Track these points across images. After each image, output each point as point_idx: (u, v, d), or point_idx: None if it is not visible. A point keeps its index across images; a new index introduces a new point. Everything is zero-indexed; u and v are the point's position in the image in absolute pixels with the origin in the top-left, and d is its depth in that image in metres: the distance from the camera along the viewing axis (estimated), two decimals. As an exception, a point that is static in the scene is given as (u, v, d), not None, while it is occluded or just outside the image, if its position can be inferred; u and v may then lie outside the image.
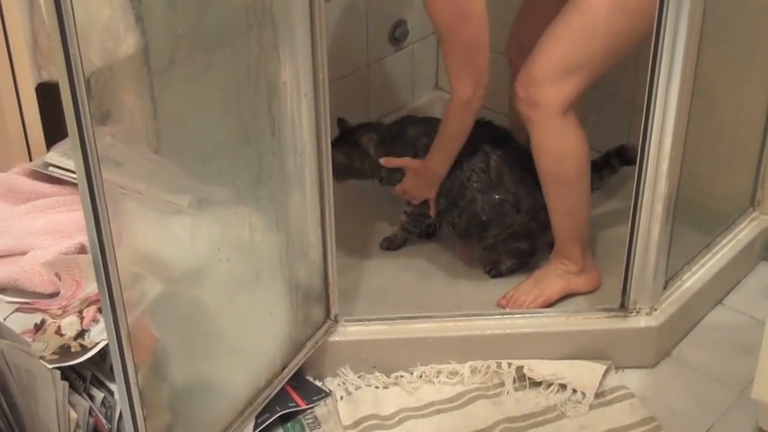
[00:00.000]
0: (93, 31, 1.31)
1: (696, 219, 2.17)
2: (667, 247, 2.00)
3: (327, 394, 2.02)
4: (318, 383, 2.04)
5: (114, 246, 1.38)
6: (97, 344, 1.63)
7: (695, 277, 2.16)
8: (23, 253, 1.79)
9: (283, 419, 1.95)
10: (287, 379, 1.94)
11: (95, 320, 1.65)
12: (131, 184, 1.46)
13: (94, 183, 1.32)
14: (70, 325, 1.66)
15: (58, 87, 1.26)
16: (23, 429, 1.71)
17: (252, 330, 1.84)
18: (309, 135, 1.82)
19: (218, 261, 1.69)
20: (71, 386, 1.62)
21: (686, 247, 2.14)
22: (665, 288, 2.09)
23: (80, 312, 1.67)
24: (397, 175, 2.28)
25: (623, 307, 2.06)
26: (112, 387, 1.65)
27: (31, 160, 2.02)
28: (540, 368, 2.03)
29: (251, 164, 1.70)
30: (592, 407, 1.99)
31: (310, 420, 1.97)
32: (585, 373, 2.03)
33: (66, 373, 1.61)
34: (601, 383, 2.02)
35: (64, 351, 1.62)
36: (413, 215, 2.34)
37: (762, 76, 2.21)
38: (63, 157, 1.93)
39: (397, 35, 2.78)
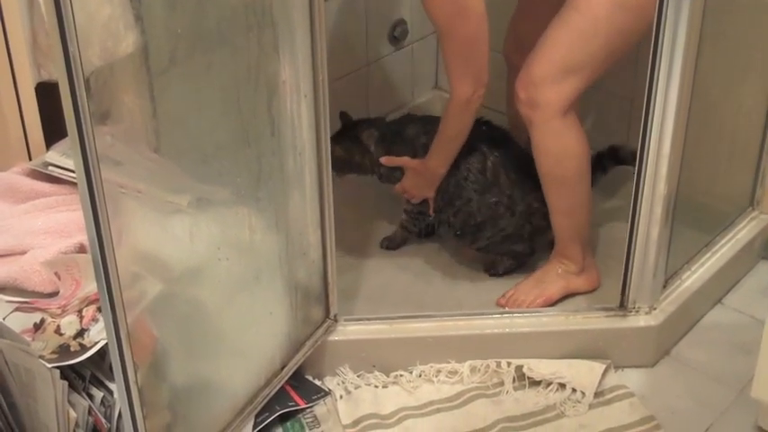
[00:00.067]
0: (92, 31, 1.31)
1: (695, 218, 2.17)
2: (667, 247, 2.00)
3: (327, 393, 2.02)
4: (318, 383, 2.04)
5: (114, 245, 1.38)
6: (96, 343, 1.62)
7: (695, 276, 2.16)
8: (23, 252, 1.79)
9: (283, 419, 1.95)
10: (286, 378, 1.94)
11: (95, 320, 1.65)
12: (131, 183, 1.46)
13: (94, 182, 1.32)
14: (69, 324, 1.66)
15: (58, 86, 1.26)
16: (23, 428, 1.71)
17: (251, 330, 1.84)
18: (309, 135, 1.82)
19: (218, 261, 1.69)
20: (70, 385, 1.62)
21: (686, 246, 2.14)
22: (664, 287, 2.09)
23: (79, 312, 1.67)
24: (396, 173, 2.28)
25: (623, 306, 2.06)
26: (112, 386, 1.65)
27: (30, 159, 2.02)
28: (539, 367, 2.03)
29: (250, 164, 1.70)
30: (591, 406, 1.99)
31: (310, 419, 1.97)
32: (585, 373, 2.03)
33: (66, 373, 1.61)
34: (600, 383, 2.02)
35: (63, 350, 1.62)
36: (412, 214, 2.34)
37: (761, 76, 2.21)
38: (62, 157, 1.93)
39: (397, 35, 2.78)
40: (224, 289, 1.74)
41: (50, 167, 1.94)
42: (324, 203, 1.90)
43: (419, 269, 2.34)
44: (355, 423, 1.96)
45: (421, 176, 2.22)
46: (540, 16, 2.04)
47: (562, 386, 2.02)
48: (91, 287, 1.67)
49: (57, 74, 1.25)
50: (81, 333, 1.64)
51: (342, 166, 2.26)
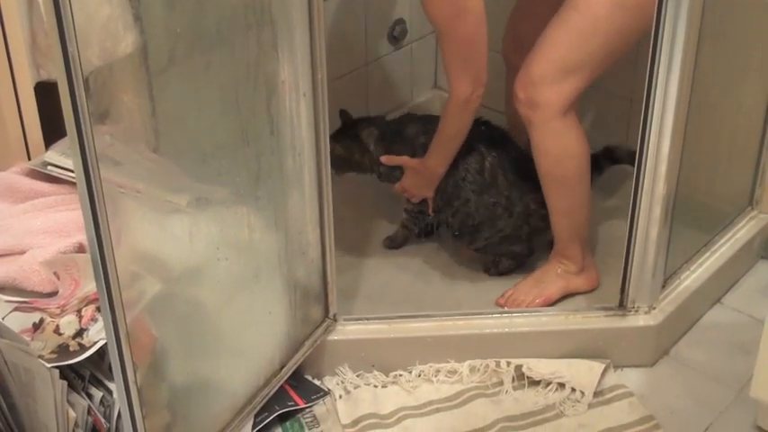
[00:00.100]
0: (91, 30, 1.31)
1: (695, 217, 2.17)
2: (666, 246, 2.00)
3: (326, 393, 2.02)
4: (317, 382, 2.04)
5: (113, 245, 1.38)
6: (96, 343, 1.62)
7: (694, 276, 2.16)
8: (22, 252, 1.79)
9: (282, 418, 1.95)
10: (286, 378, 1.94)
11: (94, 319, 1.65)
12: (130, 183, 1.46)
13: (93, 182, 1.32)
14: (69, 324, 1.65)
15: (57, 86, 1.26)
16: (22, 428, 1.71)
17: (251, 329, 1.84)
18: (308, 134, 1.82)
19: (217, 260, 1.69)
20: (70, 385, 1.62)
21: (685, 245, 2.14)
22: (663, 287, 2.09)
23: (79, 311, 1.67)
24: (396, 172, 2.28)
25: (622, 306, 2.06)
26: (111, 386, 1.65)
27: (29, 159, 2.02)
28: (538, 367, 2.03)
29: (250, 163, 1.70)
30: (590, 406, 1.99)
31: (309, 419, 1.97)
32: (584, 372, 2.03)
33: (65, 372, 1.61)
34: (599, 382, 2.02)
35: (62, 350, 1.62)
36: (412, 213, 2.34)
37: (760, 75, 2.21)
38: (62, 156, 1.93)
39: (396, 34, 2.78)
40: (223, 288, 1.74)
41: (49, 167, 1.94)
42: (323, 202, 1.90)
43: (418, 269, 2.34)
44: (354, 423, 1.96)
45: (420, 176, 2.22)
46: (539, 16, 2.04)
47: (561, 386, 2.02)
48: (90, 287, 1.67)
49: (56, 74, 1.25)
50: (80, 333, 1.64)
51: (341, 164, 2.26)
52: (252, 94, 1.66)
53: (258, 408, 1.88)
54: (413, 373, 2.06)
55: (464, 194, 2.20)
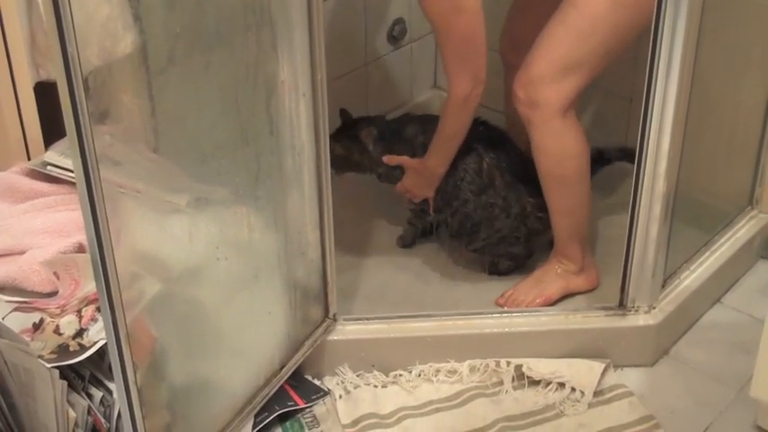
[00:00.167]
0: (91, 30, 1.31)
1: (695, 217, 2.17)
2: (666, 246, 2.00)
3: (326, 393, 2.02)
4: (317, 382, 2.04)
5: (113, 245, 1.38)
6: (96, 343, 1.62)
7: (694, 276, 2.16)
8: (22, 252, 1.79)
9: (282, 418, 1.95)
10: (286, 378, 1.94)
11: (94, 319, 1.65)
12: (130, 183, 1.46)
13: (93, 182, 1.32)
14: (69, 324, 1.65)
15: (57, 86, 1.26)
16: (22, 428, 1.71)
17: (250, 329, 1.84)
18: (308, 134, 1.82)
19: (217, 260, 1.69)
20: (70, 385, 1.62)
21: (685, 245, 2.14)
22: (663, 286, 2.09)
23: (78, 311, 1.67)
24: (396, 172, 2.28)
25: (622, 305, 2.06)
26: (111, 386, 1.65)
27: (29, 159, 2.02)
28: (538, 367, 2.03)
29: (249, 163, 1.70)
30: (590, 405, 1.99)
31: (309, 419, 1.97)
32: (584, 372, 2.03)
33: (65, 372, 1.61)
34: (599, 382, 2.02)
35: (62, 350, 1.62)
36: (415, 211, 2.34)
37: (760, 73, 2.21)
38: (61, 156, 1.93)
39: (396, 34, 2.78)
40: (223, 288, 1.74)
41: (49, 167, 1.94)
42: (323, 202, 1.90)
43: (418, 269, 2.34)
44: (354, 423, 1.96)
45: (420, 176, 2.22)
46: (537, 15, 2.03)
47: (561, 385, 2.02)
48: (90, 287, 1.67)
49: (55, 74, 1.25)
50: (80, 333, 1.64)
51: (340, 164, 2.26)
52: (251, 94, 1.66)
53: (258, 408, 1.88)
54: (413, 373, 2.06)
55: (463, 195, 2.20)
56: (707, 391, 2.02)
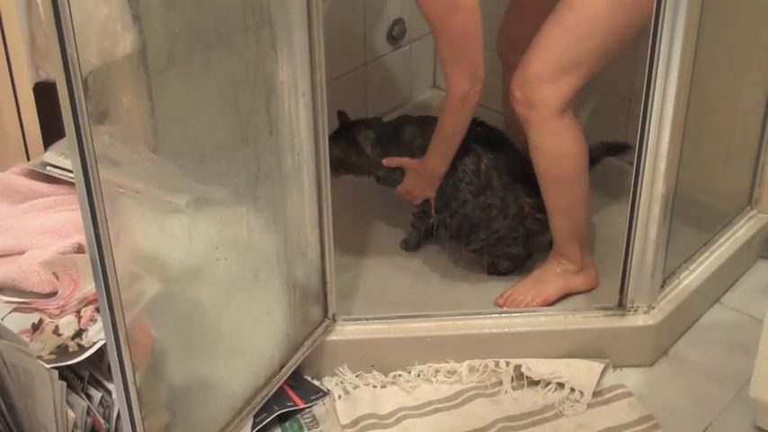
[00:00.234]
0: (90, 31, 1.31)
1: (694, 217, 2.17)
2: (665, 246, 2.00)
3: (325, 393, 2.02)
4: (316, 383, 2.04)
5: (112, 245, 1.38)
6: (95, 343, 1.62)
7: (693, 276, 2.16)
8: (21, 252, 1.79)
9: (281, 419, 1.95)
10: (285, 378, 1.94)
11: (93, 320, 1.65)
12: (129, 183, 1.46)
13: (92, 182, 1.32)
14: (68, 324, 1.65)
15: (56, 87, 1.26)
16: (21, 429, 1.71)
17: (250, 329, 1.84)
18: (307, 134, 1.82)
19: (216, 260, 1.69)
20: (69, 386, 1.62)
21: (684, 245, 2.14)
22: (662, 286, 2.09)
23: (78, 312, 1.67)
24: (394, 174, 2.27)
25: (621, 305, 2.06)
26: (110, 387, 1.65)
27: (28, 160, 2.02)
28: (537, 367, 2.03)
29: (249, 163, 1.70)
30: (590, 406, 1.99)
31: (308, 419, 1.97)
32: (583, 372, 2.03)
33: (64, 373, 1.61)
34: (599, 382, 2.02)
35: (62, 351, 1.62)
36: (417, 214, 2.34)
37: (759, 74, 2.21)
38: (61, 157, 1.93)
39: (395, 34, 2.78)
40: (222, 288, 1.74)
41: (48, 167, 1.94)
42: (322, 202, 1.90)
43: (418, 269, 2.34)
44: (354, 423, 1.96)
45: (421, 176, 2.21)
46: (534, 14, 2.03)
47: (561, 386, 2.02)
48: (89, 287, 1.67)
49: (55, 74, 1.25)
50: (79, 333, 1.64)
51: (338, 166, 2.25)
52: (251, 94, 1.66)
53: (257, 408, 1.88)
54: (412, 374, 2.06)
55: (462, 196, 2.20)
56: (706, 391, 2.02)
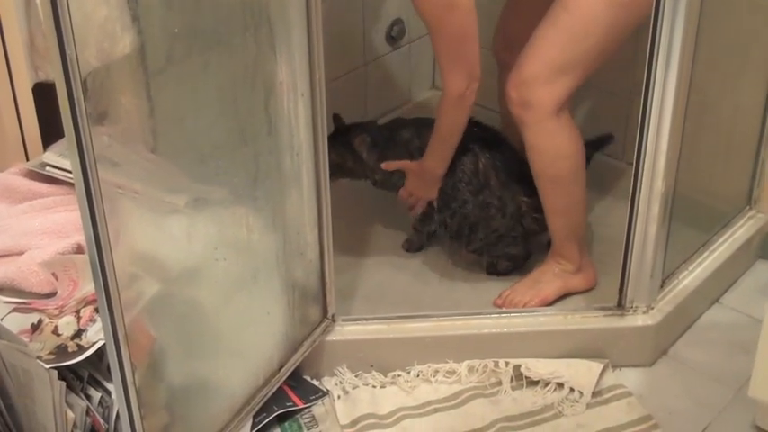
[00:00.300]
0: (89, 32, 1.31)
1: (693, 217, 2.17)
2: (664, 246, 2.00)
3: (325, 393, 2.02)
4: (316, 383, 2.04)
5: (111, 245, 1.38)
6: (94, 344, 1.62)
7: (692, 276, 2.16)
8: (20, 253, 1.79)
9: (281, 419, 1.95)
10: (284, 378, 1.94)
11: (92, 320, 1.65)
12: (128, 183, 1.46)
13: (91, 182, 1.32)
14: (67, 325, 1.66)
15: (55, 87, 1.26)
16: (21, 429, 1.71)
17: (249, 330, 1.84)
18: (306, 134, 1.82)
19: (215, 261, 1.69)
20: (68, 386, 1.62)
21: (683, 245, 2.14)
22: (661, 286, 2.09)
23: (77, 312, 1.67)
24: (393, 178, 2.27)
25: (620, 305, 2.06)
26: (110, 387, 1.65)
27: (27, 160, 2.02)
28: (537, 367, 2.03)
29: (248, 163, 1.70)
30: (589, 405, 1.99)
31: (308, 420, 1.97)
32: (583, 372, 2.03)
33: (64, 373, 1.61)
34: (598, 382, 2.02)
35: (61, 351, 1.62)
36: (419, 216, 2.33)
37: (758, 74, 2.21)
38: (60, 157, 1.93)
39: (394, 34, 2.78)
40: (221, 289, 1.74)
41: (48, 168, 1.94)
42: (321, 203, 1.90)
43: (417, 269, 2.34)
44: (353, 423, 1.96)
45: (421, 178, 2.21)
46: (529, 14, 2.03)
47: (560, 386, 2.02)
48: (88, 288, 1.67)
49: (54, 75, 1.25)
50: (78, 333, 1.64)
51: (334, 170, 2.23)
52: (250, 94, 1.66)
53: (257, 408, 1.88)
54: (411, 374, 2.06)
55: (461, 196, 2.20)
56: (705, 391, 2.02)
